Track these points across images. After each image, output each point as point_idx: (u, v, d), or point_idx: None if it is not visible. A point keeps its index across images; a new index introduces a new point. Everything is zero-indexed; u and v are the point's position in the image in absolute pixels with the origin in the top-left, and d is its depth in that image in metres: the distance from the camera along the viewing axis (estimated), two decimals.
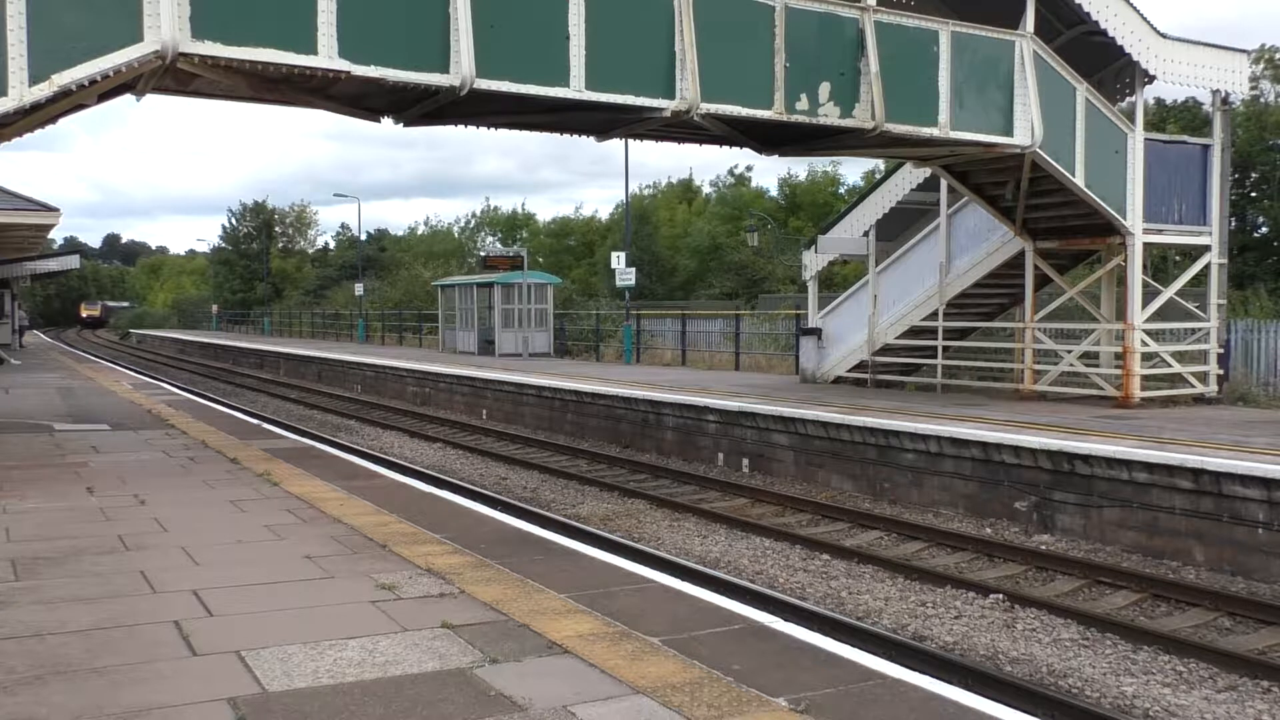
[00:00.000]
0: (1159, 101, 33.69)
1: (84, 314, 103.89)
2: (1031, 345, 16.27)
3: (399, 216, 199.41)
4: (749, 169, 62.96)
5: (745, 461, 15.29)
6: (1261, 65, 32.77)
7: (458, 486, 13.22)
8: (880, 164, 30.65)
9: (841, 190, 53.61)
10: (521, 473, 15.99)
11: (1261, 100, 32.71)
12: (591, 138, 13.44)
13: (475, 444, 18.80)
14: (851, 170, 58.31)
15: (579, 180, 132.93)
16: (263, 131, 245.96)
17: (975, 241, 17.15)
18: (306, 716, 4.03)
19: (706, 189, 65.52)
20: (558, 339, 32.67)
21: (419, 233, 74.66)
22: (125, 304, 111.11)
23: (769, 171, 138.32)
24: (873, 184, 21.12)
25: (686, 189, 65.57)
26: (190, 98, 11.60)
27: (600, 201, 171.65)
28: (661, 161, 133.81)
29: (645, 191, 65.02)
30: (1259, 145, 31.16)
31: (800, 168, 58.39)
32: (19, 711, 4.03)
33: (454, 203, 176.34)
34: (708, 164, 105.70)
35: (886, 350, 18.36)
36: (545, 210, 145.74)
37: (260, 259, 73.60)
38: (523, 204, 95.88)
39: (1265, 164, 31.64)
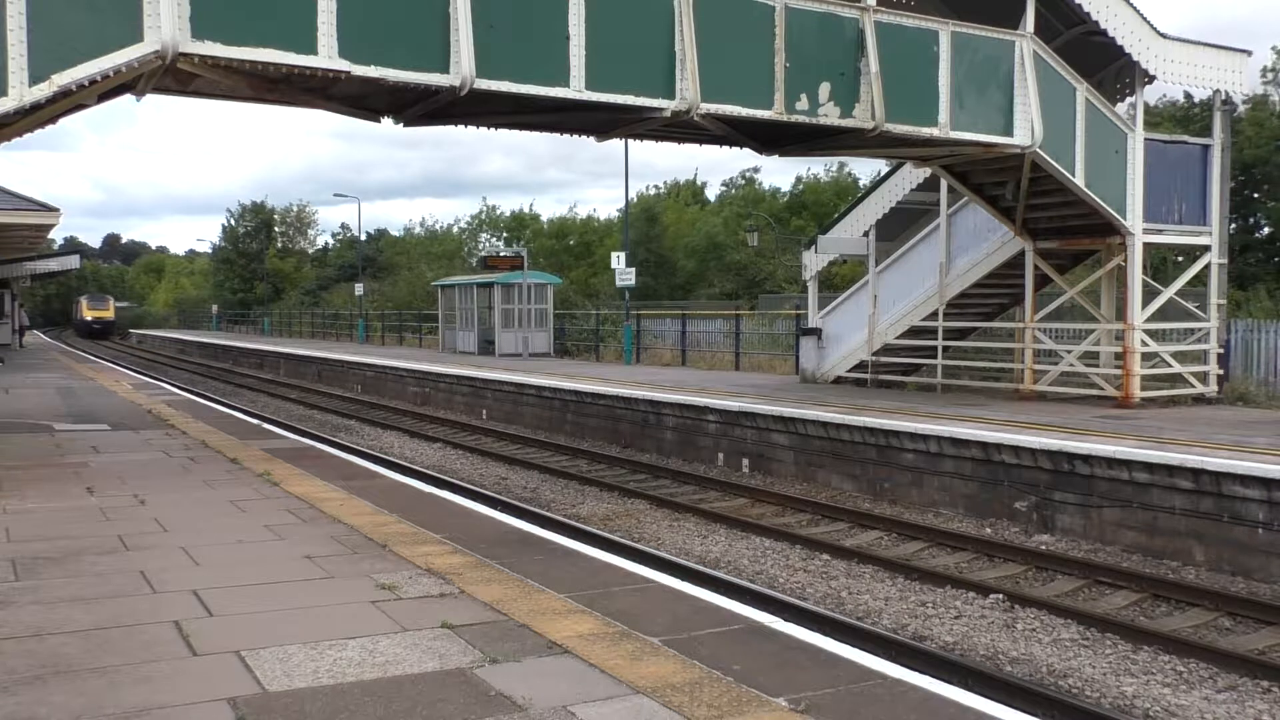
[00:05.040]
0: (1186, 100, 33.41)
1: (88, 315, 75.10)
2: (1031, 345, 16.27)
3: (403, 216, 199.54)
4: (757, 170, 63.01)
5: (745, 461, 15.29)
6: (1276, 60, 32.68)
7: (458, 486, 13.22)
8: (883, 164, 30.71)
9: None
10: (521, 473, 15.99)
11: (1271, 101, 32.62)
12: (592, 138, 13.45)
13: (475, 444, 18.80)
14: (863, 169, 58.34)
15: (583, 180, 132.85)
16: (268, 131, 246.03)
17: (975, 241, 17.15)
18: (306, 716, 4.03)
19: (718, 188, 65.58)
20: (558, 339, 32.68)
21: (416, 233, 74.69)
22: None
23: (783, 172, 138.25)
24: (873, 184, 21.13)
25: (694, 190, 65.54)
26: (191, 98, 11.61)
27: (604, 201, 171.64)
28: (669, 161, 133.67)
29: (652, 192, 65.06)
30: (1267, 147, 31.02)
31: (818, 166, 58.54)
32: (19, 711, 4.03)
33: (459, 203, 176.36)
34: (717, 164, 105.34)
35: (886, 350, 18.36)
36: (550, 210, 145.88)
37: (260, 259, 73.57)
38: (530, 204, 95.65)
39: (1270, 165, 31.53)
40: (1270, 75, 33.00)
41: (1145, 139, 15.23)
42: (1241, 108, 30.82)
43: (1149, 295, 15.53)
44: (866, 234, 18.76)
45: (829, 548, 10.76)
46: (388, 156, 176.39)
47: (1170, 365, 15.73)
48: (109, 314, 76.43)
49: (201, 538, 7.15)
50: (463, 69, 9.91)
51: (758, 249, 43.57)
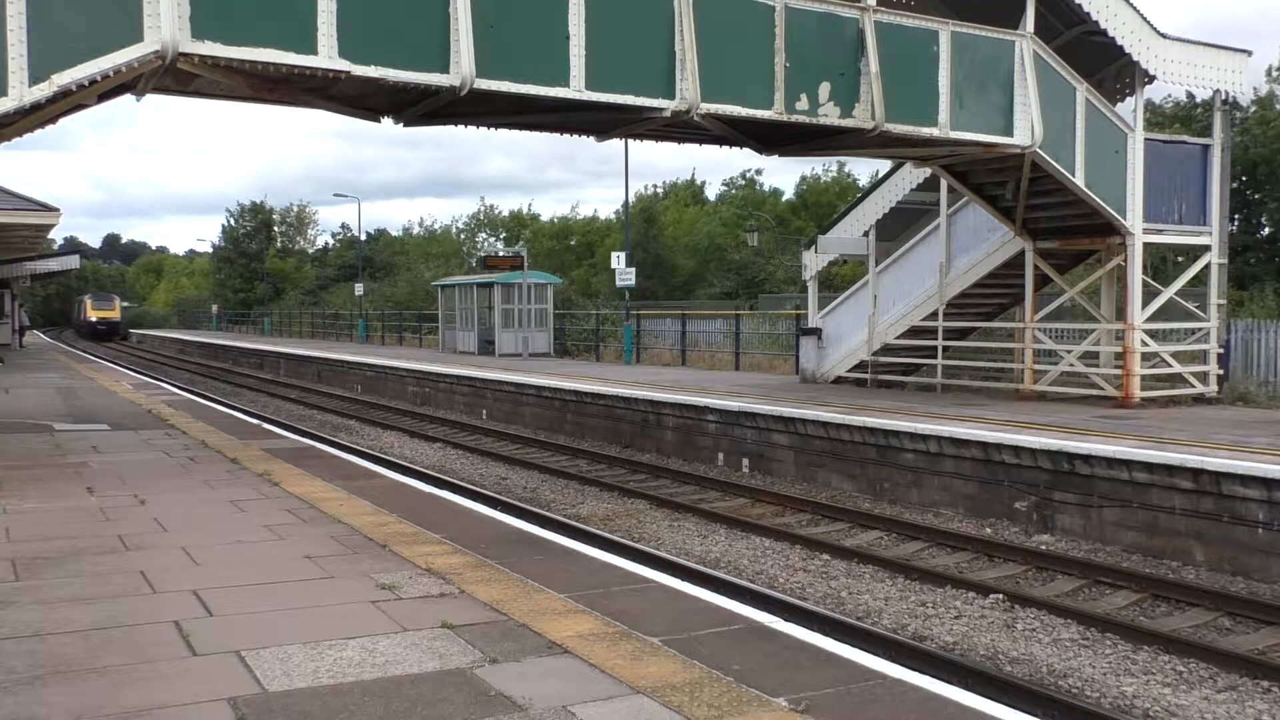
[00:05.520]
0: (1189, 100, 33.20)
1: (93, 316, 69.92)
2: (1031, 345, 16.26)
3: (403, 216, 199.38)
4: (760, 172, 63.10)
5: (745, 461, 15.29)
6: None
7: (458, 486, 13.22)
8: (884, 164, 30.71)
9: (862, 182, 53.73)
10: (521, 473, 15.99)
11: (1278, 99, 32.51)
12: (592, 138, 13.45)
13: (475, 444, 18.80)
14: (862, 170, 58.44)
15: (584, 180, 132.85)
16: (269, 131, 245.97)
17: (975, 241, 17.15)
18: (306, 716, 4.03)
19: (719, 188, 65.69)
20: (558, 339, 32.68)
21: (414, 233, 74.85)
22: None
23: (784, 172, 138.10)
24: (873, 184, 21.14)
25: (692, 190, 65.60)
26: (191, 98, 11.62)
27: (605, 201, 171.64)
28: (669, 162, 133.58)
29: (651, 192, 65.16)
30: (1273, 145, 30.89)
31: (819, 167, 58.69)
32: (19, 711, 4.03)
33: (459, 202, 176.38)
34: (717, 164, 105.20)
35: (886, 350, 18.37)
36: (551, 210, 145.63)
37: (260, 258, 73.58)
38: (529, 204, 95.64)
39: (1274, 164, 31.42)
40: (1277, 74, 32.91)
41: (1145, 139, 15.23)
42: (1252, 108, 30.75)
43: (1149, 295, 15.53)
44: (866, 234, 18.76)
45: (829, 548, 10.75)
46: (388, 156, 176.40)
47: (1170, 365, 15.73)
48: (115, 314, 71.15)
49: (201, 538, 7.15)
50: (463, 69, 9.91)
51: (757, 249, 43.61)
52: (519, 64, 10.33)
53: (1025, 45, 13.62)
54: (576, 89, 10.64)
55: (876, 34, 12.32)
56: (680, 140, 14.73)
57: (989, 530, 11.38)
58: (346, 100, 11.47)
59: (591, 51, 10.61)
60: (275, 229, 79.11)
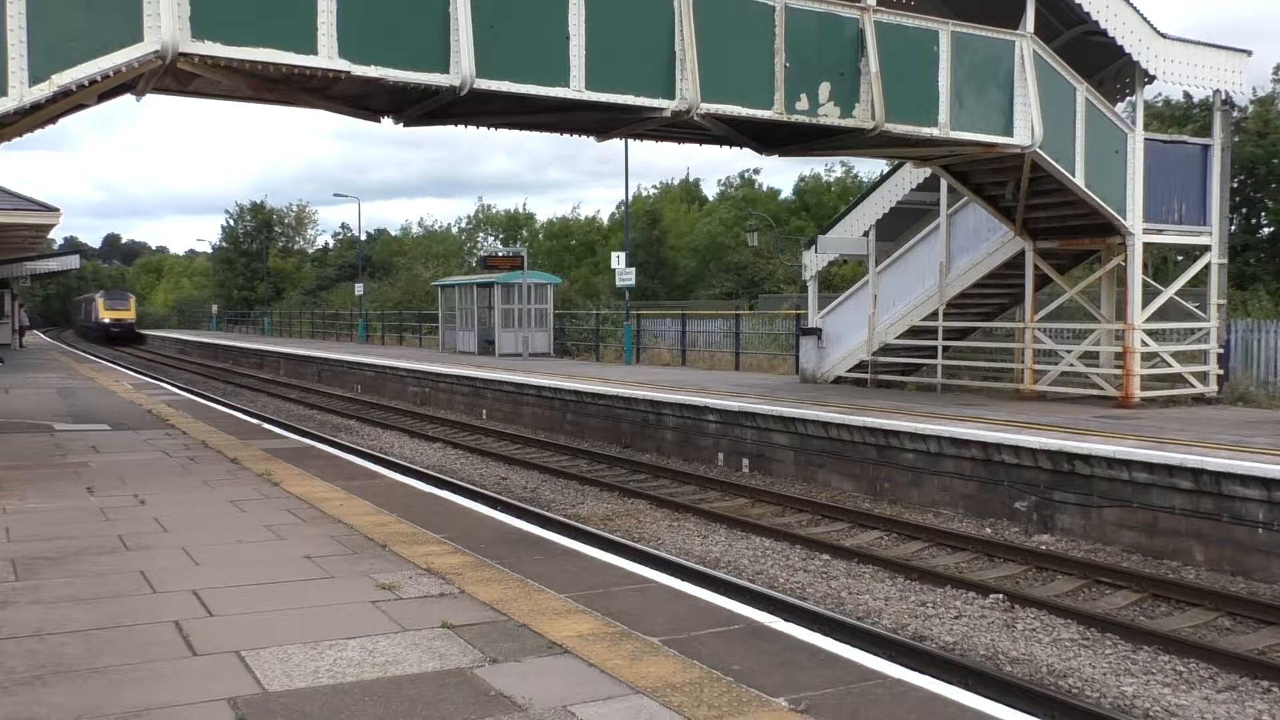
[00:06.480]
0: (1185, 99, 33.04)
1: (106, 316, 63.20)
2: (1031, 345, 16.27)
3: (404, 216, 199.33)
4: (758, 171, 63.16)
5: (745, 461, 15.29)
6: None
7: (458, 486, 13.22)
8: (884, 164, 30.66)
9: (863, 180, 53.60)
10: (521, 473, 15.99)
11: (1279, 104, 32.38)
12: (592, 138, 13.46)
13: (475, 444, 18.80)
14: (865, 169, 58.49)
15: (585, 180, 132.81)
16: (270, 131, 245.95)
17: (975, 241, 17.15)
18: (306, 716, 4.03)
19: (715, 187, 65.71)
20: (558, 339, 32.69)
21: (413, 232, 74.88)
22: None
23: (783, 172, 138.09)
24: (873, 184, 21.14)
25: (687, 188, 65.61)
26: (191, 98, 11.62)
27: (605, 201, 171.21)
28: (669, 161, 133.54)
29: (651, 192, 65.19)
30: (1275, 146, 30.74)
31: (821, 167, 58.72)
32: (19, 711, 4.03)
33: (459, 202, 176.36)
34: (716, 164, 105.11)
35: (887, 350, 18.37)
36: (552, 210, 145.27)
37: (260, 258, 73.57)
38: (524, 204, 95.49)
39: (1274, 163, 31.26)
40: None
41: (1145, 139, 15.23)
42: (1251, 108, 30.69)
43: (1149, 295, 15.53)
44: (866, 234, 18.76)
45: (829, 548, 10.76)
46: (389, 156, 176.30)
47: (1170, 365, 15.73)
48: (130, 315, 64.16)
49: (201, 538, 7.15)
50: (463, 69, 9.91)
51: (757, 249, 43.60)
52: (519, 64, 10.33)
53: (1025, 45, 13.62)
54: (576, 89, 10.63)
55: (876, 34, 12.32)
56: (680, 140, 14.74)
57: (989, 530, 11.38)
58: (346, 100, 11.47)
59: (591, 51, 10.61)
60: (275, 229, 79.09)
